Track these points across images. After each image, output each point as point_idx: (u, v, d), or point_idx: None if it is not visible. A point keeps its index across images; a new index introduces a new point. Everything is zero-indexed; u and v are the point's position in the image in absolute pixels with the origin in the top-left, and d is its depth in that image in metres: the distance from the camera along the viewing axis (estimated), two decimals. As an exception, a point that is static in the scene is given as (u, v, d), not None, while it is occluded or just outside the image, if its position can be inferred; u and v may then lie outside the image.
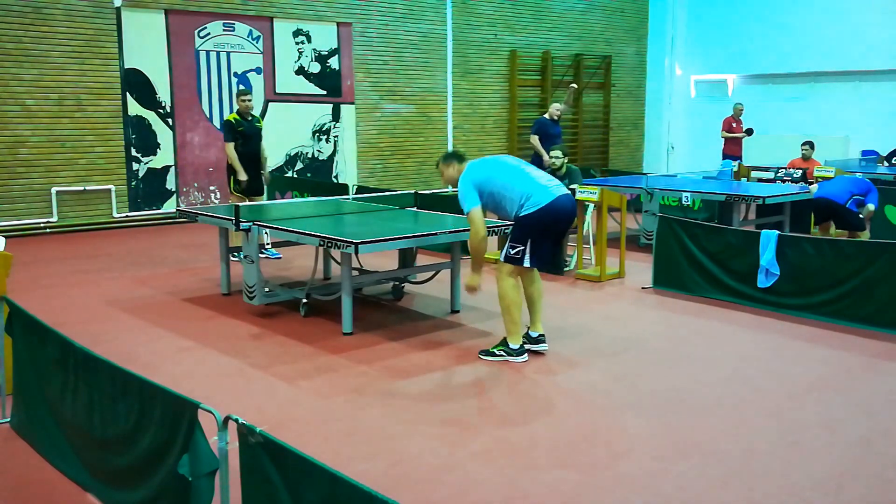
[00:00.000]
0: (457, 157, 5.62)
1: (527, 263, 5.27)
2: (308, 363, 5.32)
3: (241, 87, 8.82)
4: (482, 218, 5.27)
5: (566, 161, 8.71)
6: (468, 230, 6.28)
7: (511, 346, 5.33)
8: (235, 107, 8.66)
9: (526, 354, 5.35)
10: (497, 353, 5.34)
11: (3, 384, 4.28)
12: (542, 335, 5.53)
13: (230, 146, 8.38)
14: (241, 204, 7.66)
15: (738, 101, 14.28)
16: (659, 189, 9.41)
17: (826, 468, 3.76)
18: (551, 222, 5.31)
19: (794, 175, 10.89)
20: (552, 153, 8.66)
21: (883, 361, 5.37)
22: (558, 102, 12.04)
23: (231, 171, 8.47)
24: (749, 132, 13.65)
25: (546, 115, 11.71)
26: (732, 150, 13.80)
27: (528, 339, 5.49)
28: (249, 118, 8.50)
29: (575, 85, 12.86)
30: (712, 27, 17.54)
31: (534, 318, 5.53)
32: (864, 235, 8.59)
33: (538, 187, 5.29)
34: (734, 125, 13.85)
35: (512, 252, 5.28)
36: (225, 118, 8.46)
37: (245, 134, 8.42)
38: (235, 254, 7.40)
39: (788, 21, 16.24)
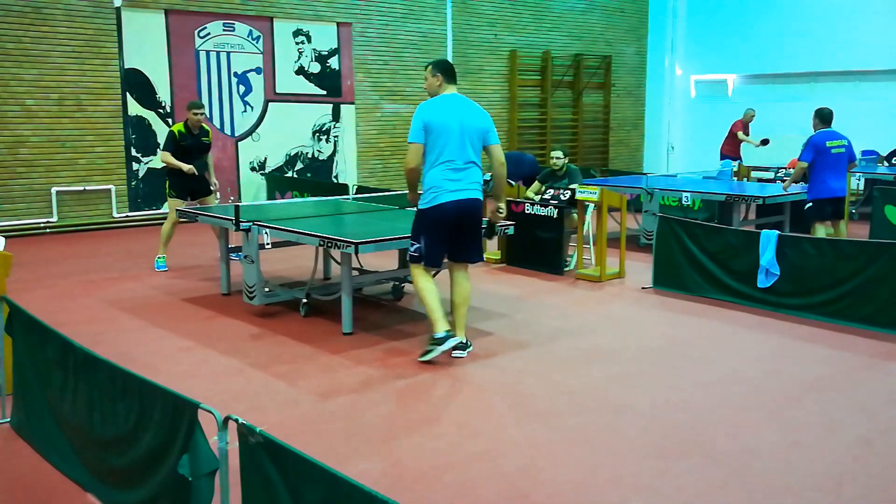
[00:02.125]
0: (447, 74, 5.29)
1: (424, 263, 5.23)
2: (308, 363, 5.32)
3: (195, 100, 8.61)
4: (418, 151, 5.13)
5: (567, 161, 8.72)
6: None
7: (435, 335, 5.22)
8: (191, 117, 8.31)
9: (451, 340, 5.24)
10: (429, 349, 5.24)
11: (3, 384, 4.28)
12: (463, 342, 5.39)
13: (165, 154, 8.19)
14: (181, 209, 7.79)
15: (750, 108, 14.00)
16: (659, 189, 9.41)
17: (826, 468, 3.75)
18: (439, 224, 5.21)
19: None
20: (553, 154, 8.68)
21: (883, 361, 5.37)
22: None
23: (169, 174, 8.35)
24: (765, 142, 13.25)
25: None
26: (732, 150, 13.71)
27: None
28: (196, 132, 8.30)
29: None
30: (712, 27, 17.54)
31: (456, 322, 5.42)
32: (843, 225, 8.49)
33: (445, 181, 5.13)
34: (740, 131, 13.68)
35: (412, 249, 5.27)
36: (170, 128, 8.30)
37: (186, 148, 8.21)
38: (235, 254, 7.41)
39: (788, 21, 16.24)
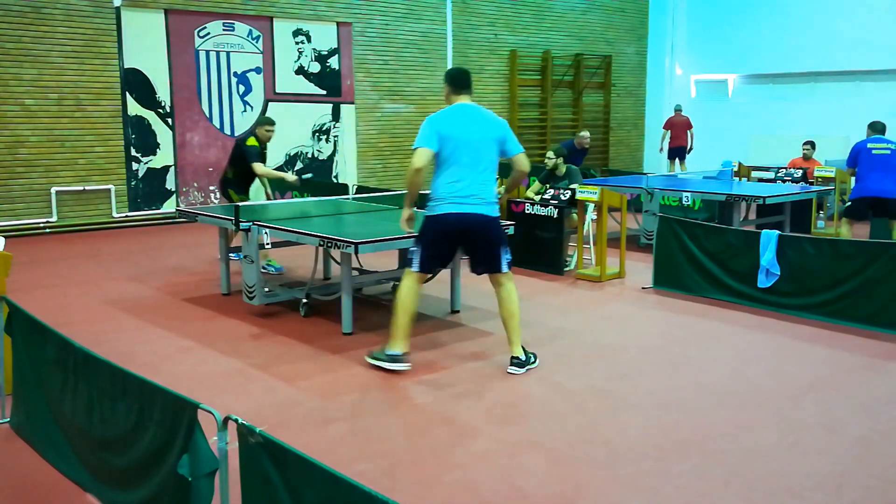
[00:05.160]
0: (454, 83, 5.09)
1: (414, 267, 5.05)
2: (308, 363, 5.32)
3: (268, 116, 8.58)
4: (426, 157, 4.90)
5: (561, 161, 8.72)
6: None
7: (388, 351, 5.05)
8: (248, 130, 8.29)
9: (401, 364, 5.02)
10: (379, 358, 5.09)
11: (3, 384, 4.27)
12: (516, 357, 5.10)
13: (261, 166, 8.10)
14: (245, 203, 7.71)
15: (678, 103, 16.17)
16: (659, 189, 9.41)
17: (826, 468, 3.75)
18: (440, 235, 5.05)
19: (795, 175, 10.89)
20: (547, 154, 8.73)
21: (883, 361, 5.37)
22: (587, 131, 12.68)
23: (230, 183, 8.27)
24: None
25: (574, 142, 12.32)
26: (678, 141, 15.91)
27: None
28: (264, 148, 8.29)
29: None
30: (712, 27, 17.54)
31: (508, 337, 5.16)
32: None
33: (448, 191, 4.96)
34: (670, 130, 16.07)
35: (410, 248, 5.18)
36: (247, 144, 8.16)
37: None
38: (235, 254, 7.41)
39: (788, 21, 16.24)
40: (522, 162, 5.16)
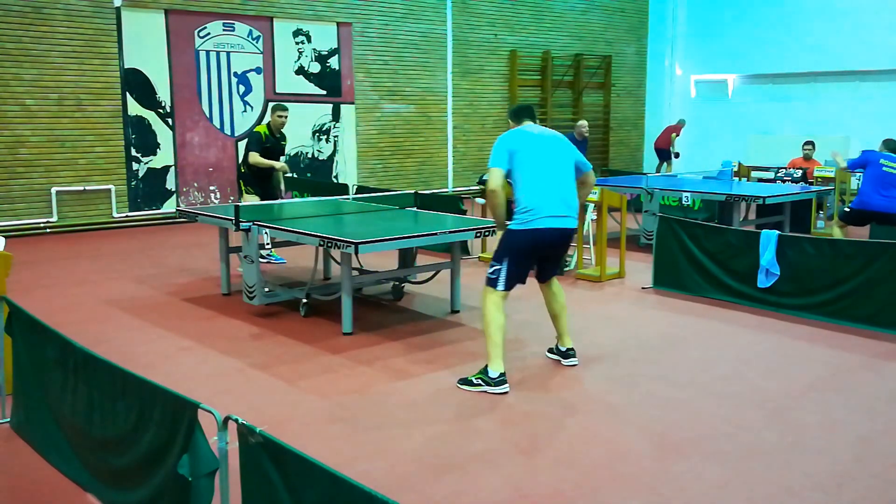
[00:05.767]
0: (516, 116, 5.17)
1: (500, 287, 4.87)
2: (308, 363, 5.32)
3: (280, 103, 8.58)
4: (501, 175, 4.86)
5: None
6: (467, 230, 6.30)
7: (490, 373, 4.78)
8: (266, 119, 8.30)
9: (506, 385, 4.76)
10: (475, 381, 4.81)
11: (3, 384, 4.28)
12: (571, 349, 5.30)
13: (255, 155, 8.07)
14: (246, 203, 7.67)
15: (682, 118, 17.27)
16: (659, 189, 9.41)
17: (826, 468, 3.75)
18: (531, 250, 4.94)
19: (795, 175, 10.90)
20: None
21: (883, 361, 5.37)
22: (585, 121, 12.72)
23: (245, 174, 8.28)
24: (677, 155, 16.43)
25: (574, 133, 12.34)
26: (664, 144, 16.85)
27: (556, 352, 5.36)
28: (277, 135, 8.28)
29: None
30: (712, 27, 17.55)
31: (558, 331, 5.32)
32: None
33: (543, 203, 4.86)
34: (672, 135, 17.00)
35: (489, 272, 4.93)
36: (254, 129, 8.18)
37: (268, 149, 8.19)
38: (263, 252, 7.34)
39: (788, 21, 16.24)
40: (593, 178, 5.32)
